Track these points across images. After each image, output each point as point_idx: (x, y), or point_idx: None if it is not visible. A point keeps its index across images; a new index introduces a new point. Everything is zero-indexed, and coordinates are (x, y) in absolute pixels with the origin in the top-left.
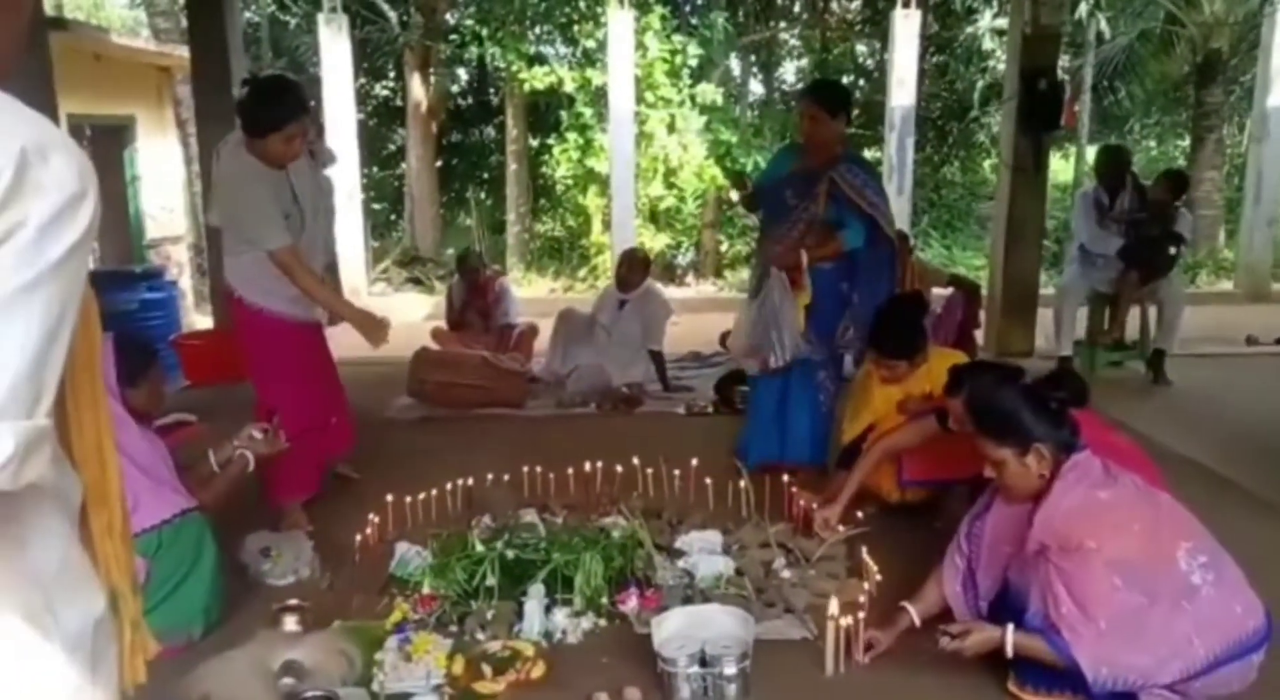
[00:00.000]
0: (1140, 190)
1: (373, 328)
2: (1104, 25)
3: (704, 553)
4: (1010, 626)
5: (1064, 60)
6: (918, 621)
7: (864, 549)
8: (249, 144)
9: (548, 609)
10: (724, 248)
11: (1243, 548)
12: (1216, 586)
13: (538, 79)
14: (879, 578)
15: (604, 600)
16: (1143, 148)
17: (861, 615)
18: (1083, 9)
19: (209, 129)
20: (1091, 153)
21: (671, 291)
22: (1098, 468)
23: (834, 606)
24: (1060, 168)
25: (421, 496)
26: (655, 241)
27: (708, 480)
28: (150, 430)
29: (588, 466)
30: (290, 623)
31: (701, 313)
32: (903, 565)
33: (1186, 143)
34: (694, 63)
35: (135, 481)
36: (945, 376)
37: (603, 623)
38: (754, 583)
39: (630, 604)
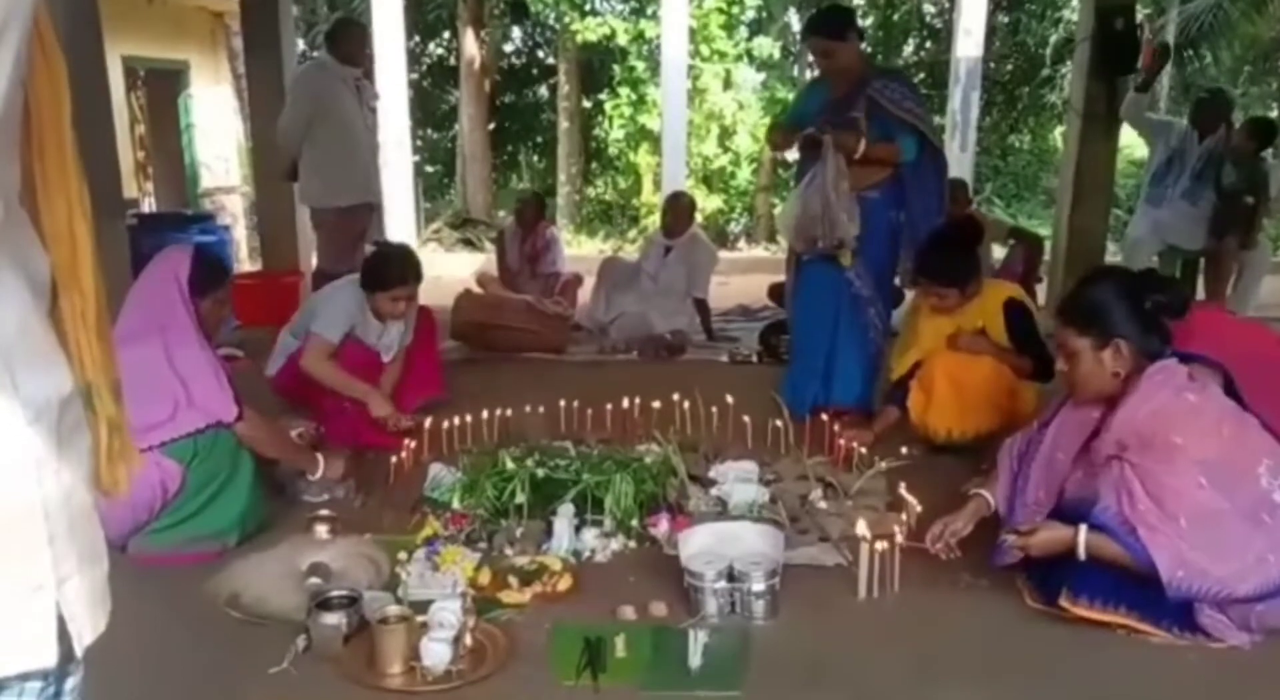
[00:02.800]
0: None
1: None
2: None
3: (738, 481)
4: (1084, 526)
5: (1144, 18)
6: (993, 504)
7: (903, 485)
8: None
9: (577, 529)
10: (777, 210)
11: None
12: None
13: (590, 30)
14: (919, 510)
15: (634, 523)
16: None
17: (899, 539)
18: None
19: (257, 77)
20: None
21: (722, 254)
22: (1184, 374)
23: (863, 528)
24: (1132, 142)
25: (457, 422)
26: (707, 203)
27: (746, 418)
28: (211, 346)
29: (625, 402)
30: (321, 531)
31: (750, 273)
32: (943, 504)
33: (1276, 114)
34: (751, 15)
35: (175, 390)
36: (999, 311)
37: (632, 544)
38: (789, 511)
39: (661, 528)
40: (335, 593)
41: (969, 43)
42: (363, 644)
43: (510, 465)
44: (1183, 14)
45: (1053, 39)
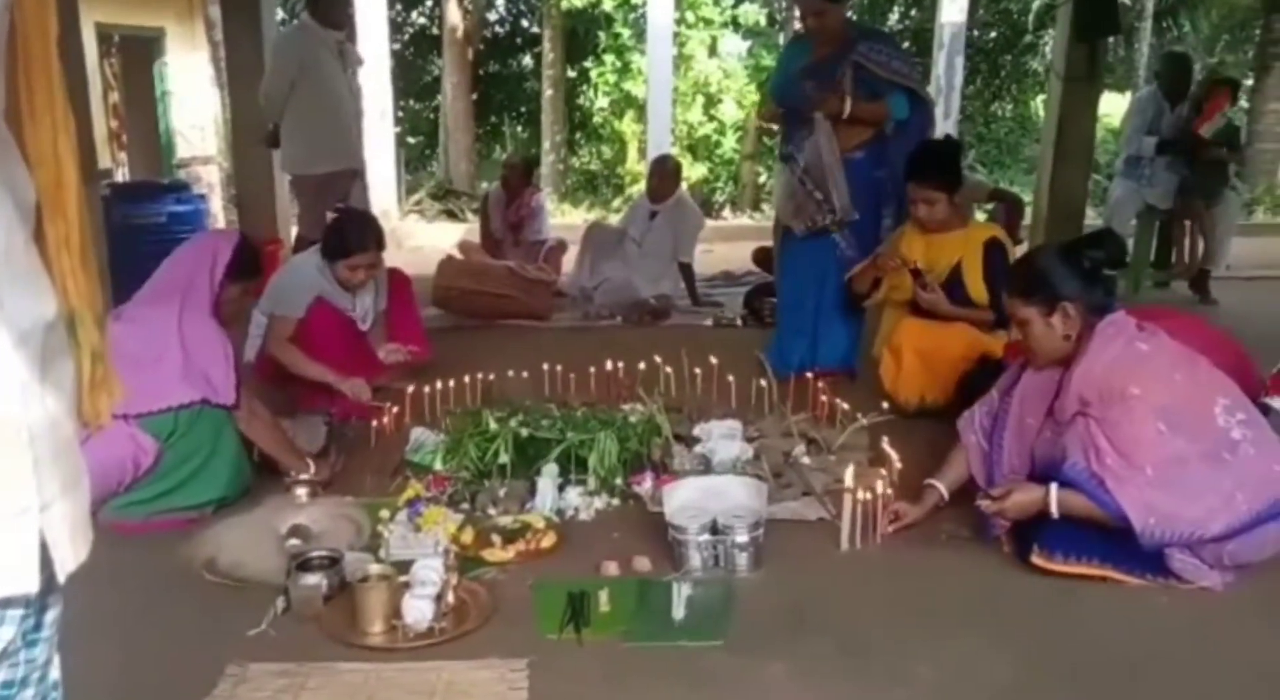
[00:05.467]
0: (1198, 107)
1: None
2: None
3: (722, 438)
4: (1054, 485)
5: None
6: (946, 496)
7: (885, 439)
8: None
9: (561, 488)
10: (762, 180)
11: None
12: (1255, 444)
13: None
14: (899, 466)
15: (618, 481)
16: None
17: (881, 490)
18: None
19: (235, 44)
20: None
21: (707, 222)
22: (1133, 324)
23: (849, 479)
24: (1115, 108)
25: (439, 387)
26: (692, 171)
27: (731, 379)
28: (223, 330)
29: (609, 365)
30: (301, 493)
31: (735, 241)
32: (925, 458)
33: (1252, 82)
34: None
35: (175, 356)
36: (980, 248)
37: (616, 502)
38: (772, 467)
39: (645, 486)
40: (315, 554)
41: (953, 9)
42: (344, 604)
43: (493, 425)
44: None
45: (1035, 5)
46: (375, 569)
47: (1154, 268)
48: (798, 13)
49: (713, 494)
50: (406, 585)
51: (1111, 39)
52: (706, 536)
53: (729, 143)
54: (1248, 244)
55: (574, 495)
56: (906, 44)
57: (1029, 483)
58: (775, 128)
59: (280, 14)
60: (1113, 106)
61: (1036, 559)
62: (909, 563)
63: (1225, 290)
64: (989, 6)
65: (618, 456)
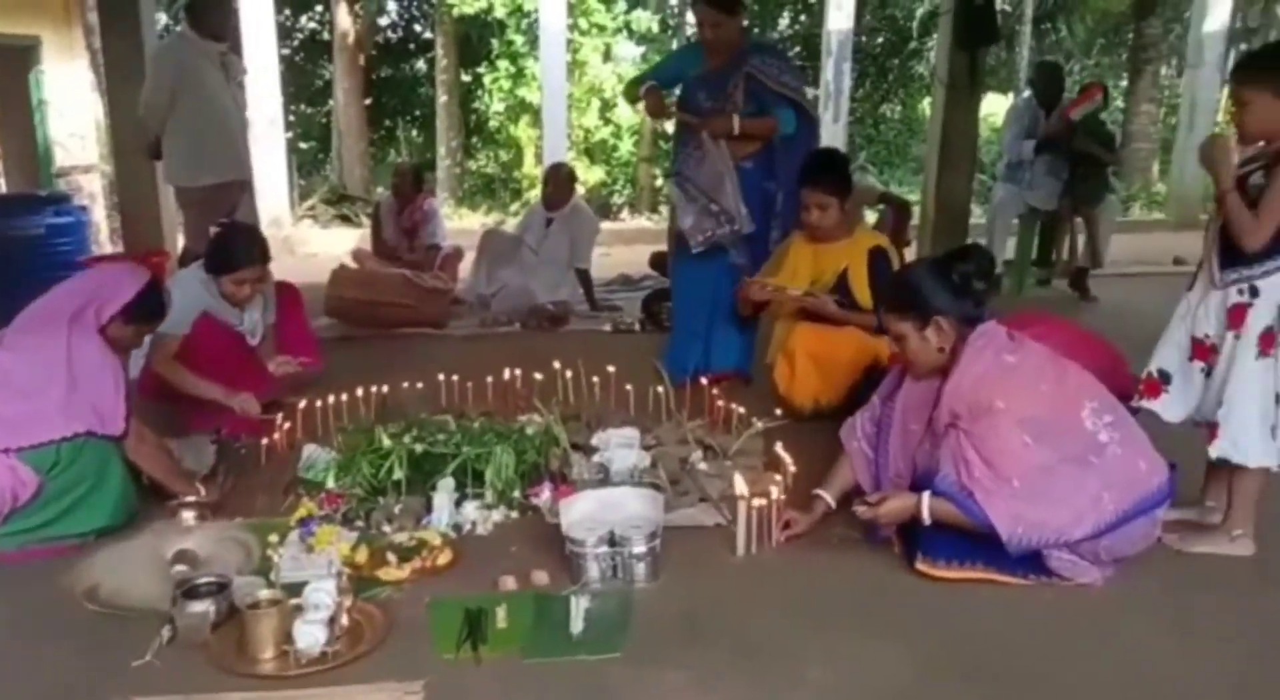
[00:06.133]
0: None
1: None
2: None
3: (620, 447)
4: (926, 493)
5: None
6: (833, 505)
7: (779, 444)
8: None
9: (458, 502)
10: (659, 183)
11: (1157, 440)
12: (1122, 444)
13: (467, 4)
14: (794, 470)
15: (516, 493)
16: (1076, 90)
17: (776, 496)
18: None
19: (115, 52)
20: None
21: (605, 225)
22: (1003, 335)
23: (742, 486)
24: (999, 107)
25: (332, 401)
26: (589, 175)
27: (628, 386)
28: (114, 356)
29: (506, 374)
30: (188, 517)
31: (634, 244)
32: (820, 462)
33: (1125, 83)
34: None
35: (60, 385)
36: (865, 256)
37: (514, 515)
38: (670, 474)
39: (543, 497)
40: (202, 579)
41: (840, 16)
42: (233, 631)
43: (387, 442)
44: None
45: (919, 13)
46: (265, 593)
47: (1036, 267)
48: (692, 20)
49: (610, 505)
50: (298, 609)
51: (992, 46)
52: (604, 548)
53: (626, 146)
54: (1127, 240)
55: (471, 509)
56: (796, 49)
57: (904, 490)
58: (661, 126)
59: (164, 18)
60: (996, 107)
61: (920, 566)
62: (803, 566)
63: (1104, 287)
64: (875, 13)
65: (515, 469)
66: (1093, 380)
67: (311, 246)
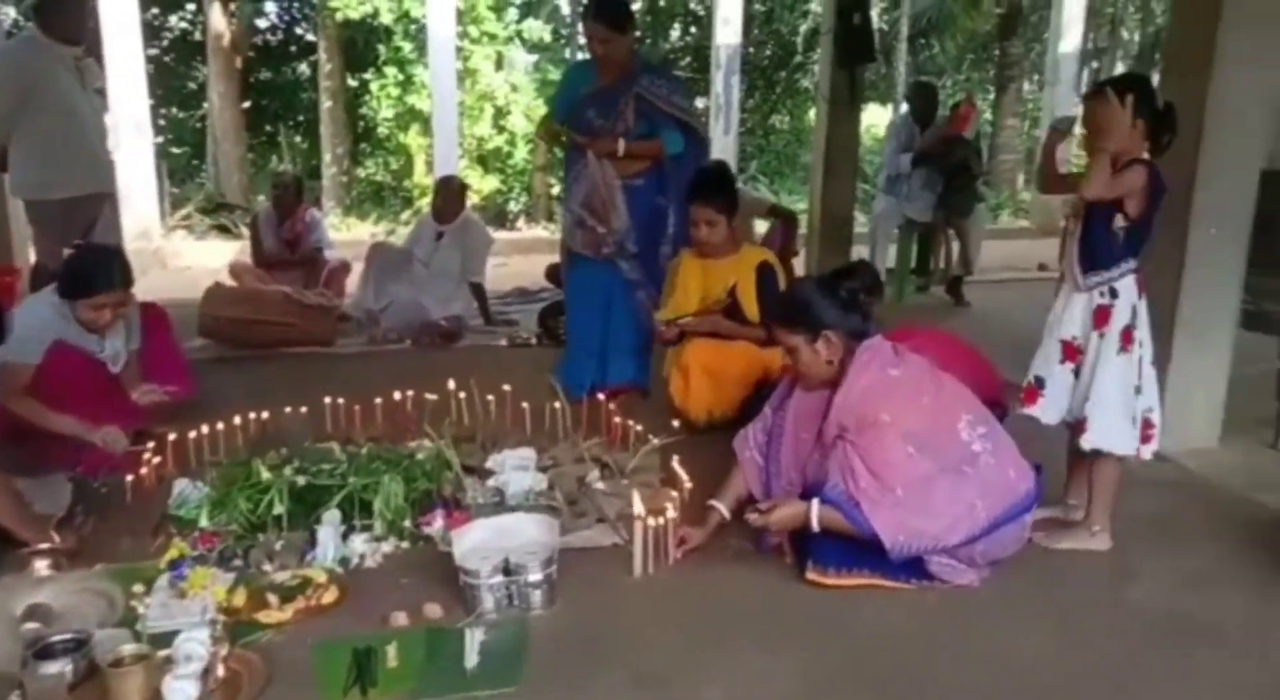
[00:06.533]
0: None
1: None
2: None
3: (515, 469)
4: (815, 501)
5: (882, 11)
6: (727, 515)
7: (676, 459)
8: None
9: (344, 535)
10: (555, 191)
11: (1024, 438)
12: (994, 454)
13: (351, 9)
14: (689, 485)
15: (406, 523)
16: (951, 102)
17: (671, 514)
18: None
19: None
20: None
21: (502, 235)
22: (888, 349)
23: (638, 506)
24: (880, 119)
25: (206, 431)
26: (484, 184)
27: (524, 404)
28: None
29: (397, 396)
30: (41, 566)
31: (531, 253)
32: (716, 474)
33: (993, 97)
34: None
35: None
36: (753, 271)
37: (405, 545)
38: (566, 496)
39: (435, 525)
40: (57, 637)
41: (728, 31)
42: (93, 692)
43: (266, 475)
44: (914, 8)
45: (803, 29)
46: (130, 648)
47: (915, 275)
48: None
49: (504, 533)
50: (168, 663)
51: (870, 64)
52: (499, 578)
53: (521, 153)
54: (996, 247)
55: (359, 542)
56: (687, 60)
57: (795, 498)
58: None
59: (11, 13)
60: (877, 118)
61: (811, 574)
62: (699, 583)
63: (977, 292)
64: (763, 27)
65: (405, 497)
66: (967, 393)
67: (185, 259)
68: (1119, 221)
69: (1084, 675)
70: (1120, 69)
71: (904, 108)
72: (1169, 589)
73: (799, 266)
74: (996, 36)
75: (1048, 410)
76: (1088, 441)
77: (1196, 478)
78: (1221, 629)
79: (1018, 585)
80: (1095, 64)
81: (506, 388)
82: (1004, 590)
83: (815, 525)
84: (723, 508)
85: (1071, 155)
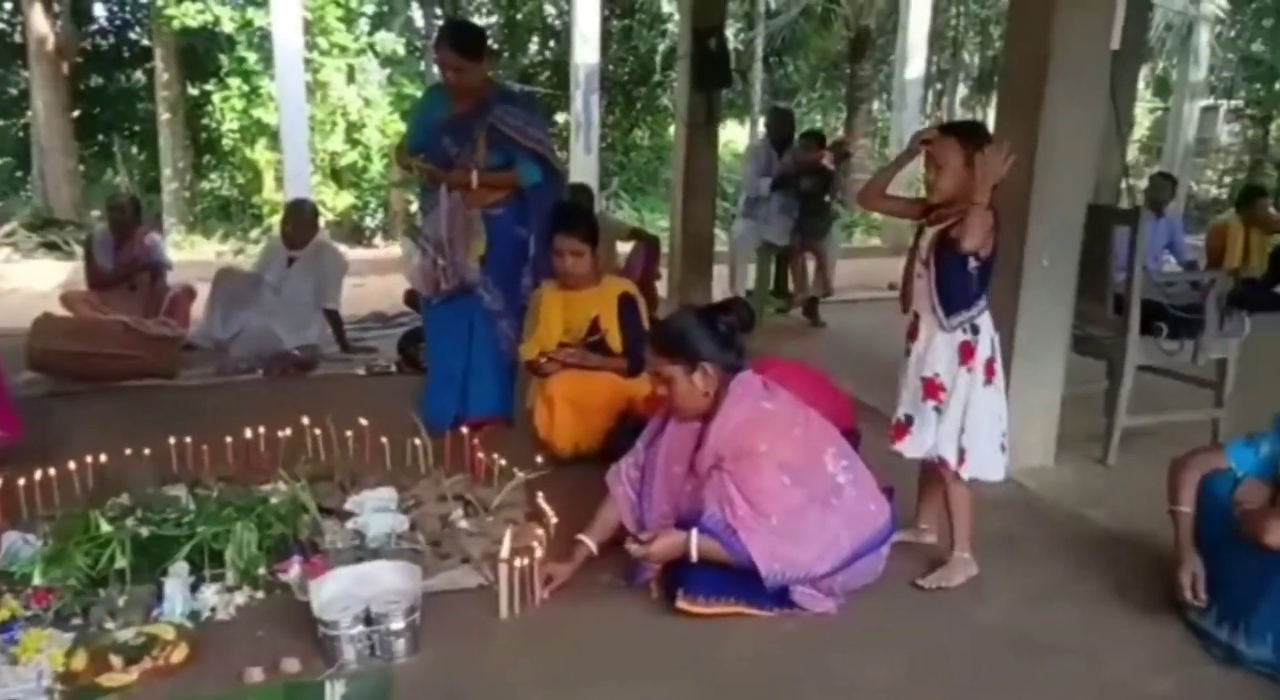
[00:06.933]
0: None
1: None
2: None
3: (376, 511)
4: (695, 530)
5: (738, 31)
6: (595, 550)
7: (541, 494)
8: None
9: (194, 587)
10: (414, 207)
11: (878, 460)
12: (855, 486)
13: (189, 17)
14: (555, 521)
15: (261, 571)
16: (809, 119)
17: (538, 549)
18: None
19: None
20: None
21: (359, 253)
22: (759, 383)
23: (505, 548)
24: (739, 135)
25: (38, 476)
26: (338, 200)
27: (384, 439)
28: None
29: (248, 433)
30: None
31: (389, 273)
32: (582, 508)
33: (845, 117)
34: (371, 9)
35: None
36: (615, 302)
37: (260, 595)
38: (429, 536)
39: (292, 572)
40: None
41: (586, 49)
42: None
43: (106, 527)
44: (768, 28)
45: (661, 47)
46: None
47: (774, 297)
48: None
49: (364, 581)
50: None
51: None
52: (360, 628)
53: (377, 167)
54: (850, 266)
55: (210, 593)
56: (546, 75)
57: (674, 529)
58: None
59: None
60: (735, 135)
61: (681, 603)
62: (566, 621)
63: (832, 313)
64: (621, 43)
65: (259, 544)
66: (830, 426)
67: (11, 280)
68: (972, 263)
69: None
70: (963, 91)
71: (761, 132)
72: (1012, 608)
73: (662, 288)
74: (848, 58)
75: (912, 446)
76: (968, 471)
77: (1034, 497)
78: (1059, 645)
79: (873, 611)
80: (939, 86)
81: (364, 422)
82: (861, 616)
83: (695, 555)
84: (590, 543)
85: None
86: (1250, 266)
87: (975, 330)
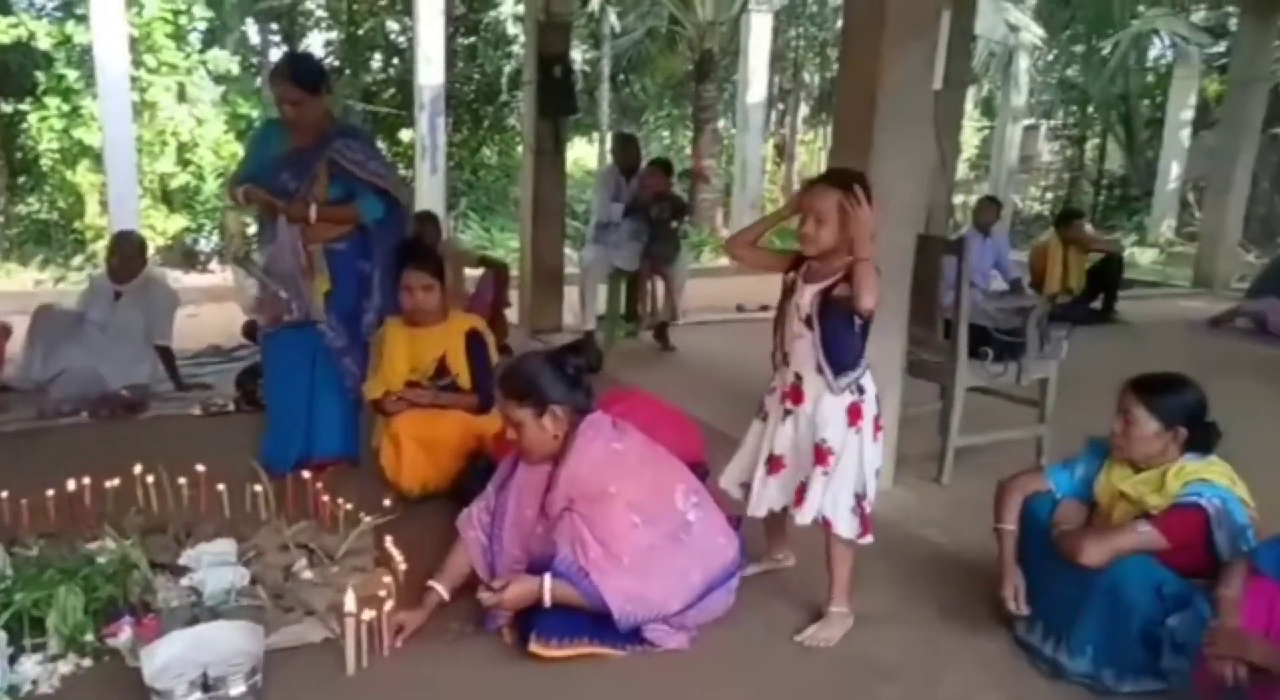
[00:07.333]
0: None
1: None
2: (614, 20)
3: (214, 566)
4: (547, 575)
5: (584, 52)
6: (446, 596)
7: (389, 539)
8: None
9: (12, 659)
10: (251, 230)
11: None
12: (705, 522)
13: (2, 32)
14: (404, 567)
15: (88, 637)
16: (656, 136)
17: (386, 597)
18: (595, 2)
19: None
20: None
21: (192, 280)
22: (608, 424)
23: (350, 602)
24: (587, 153)
25: None
26: (169, 224)
27: (220, 486)
28: None
29: (72, 484)
30: None
31: (225, 301)
32: (433, 551)
33: (692, 136)
34: (203, 26)
35: None
36: (462, 338)
37: (88, 663)
38: (271, 589)
39: (123, 636)
40: None
41: (431, 70)
42: None
43: None
44: (614, 49)
45: (506, 69)
46: None
47: (625, 321)
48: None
49: (201, 645)
50: None
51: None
52: (197, 695)
53: (211, 188)
54: (698, 285)
55: (30, 665)
56: (391, 92)
57: (526, 575)
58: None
59: None
60: (583, 152)
61: (534, 647)
62: (417, 673)
63: (682, 336)
64: (468, 62)
65: (85, 608)
66: (680, 464)
67: None
68: (858, 321)
69: None
70: (805, 110)
71: (607, 165)
72: (855, 634)
73: (512, 315)
74: (693, 78)
75: (806, 514)
76: (845, 531)
77: (876, 519)
78: (898, 667)
79: (724, 643)
80: (782, 106)
81: (200, 467)
82: (712, 650)
83: (548, 600)
84: (441, 589)
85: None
86: (1069, 283)
87: (861, 390)
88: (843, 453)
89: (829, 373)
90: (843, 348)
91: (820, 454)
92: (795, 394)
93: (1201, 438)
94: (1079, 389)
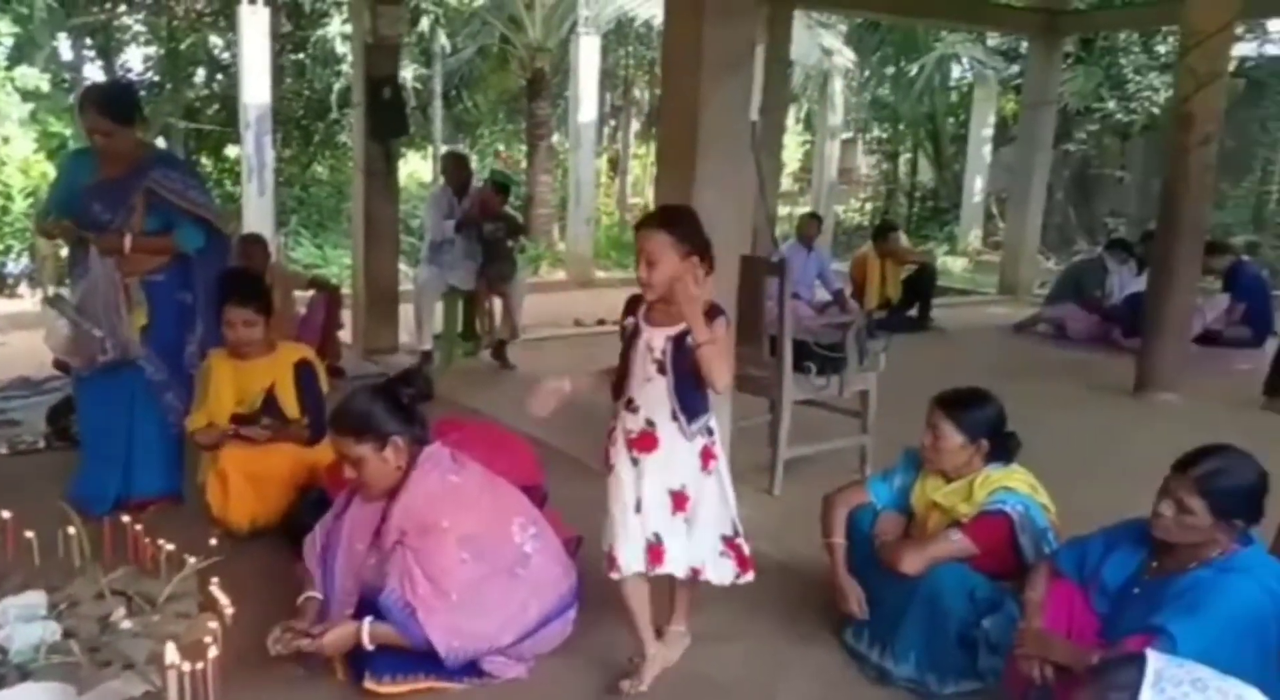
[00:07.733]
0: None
1: None
2: (444, 40)
3: (21, 621)
4: (367, 620)
5: (416, 69)
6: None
7: (215, 581)
8: None
9: None
10: (64, 252)
11: (567, 506)
12: (542, 553)
13: None
14: (231, 611)
15: None
16: (491, 150)
17: (212, 652)
18: (425, 23)
19: None
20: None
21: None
22: (446, 456)
23: (172, 653)
24: (422, 167)
25: None
26: None
27: (29, 533)
28: None
29: None
30: None
31: (36, 329)
32: (265, 591)
33: (526, 152)
34: (10, 42)
35: None
36: (290, 369)
37: None
38: (86, 643)
39: None
40: None
41: (257, 90)
42: None
43: None
44: (447, 66)
45: (336, 86)
46: None
47: (463, 340)
48: (89, 77)
49: None
50: None
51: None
52: None
53: (20, 208)
54: (537, 301)
55: None
56: (215, 108)
57: (347, 620)
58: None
59: None
60: (418, 166)
61: (369, 684)
62: None
63: (521, 353)
64: (296, 77)
65: None
66: (519, 495)
67: None
68: None
69: None
70: (636, 127)
71: (439, 185)
72: (693, 652)
73: (346, 336)
74: (527, 95)
75: (674, 564)
76: (721, 579)
77: None
78: (735, 683)
79: (561, 670)
80: (613, 123)
81: (6, 514)
82: (551, 677)
83: (368, 644)
84: (318, 595)
85: None
86: (887, 293)
87: (710, 432)
88: (700, 499)
89: (683, 418)
90: (696, 394)
91: (679, 501)
92: (645, 441)
93: (1002, 448)
94: (899, 397)
